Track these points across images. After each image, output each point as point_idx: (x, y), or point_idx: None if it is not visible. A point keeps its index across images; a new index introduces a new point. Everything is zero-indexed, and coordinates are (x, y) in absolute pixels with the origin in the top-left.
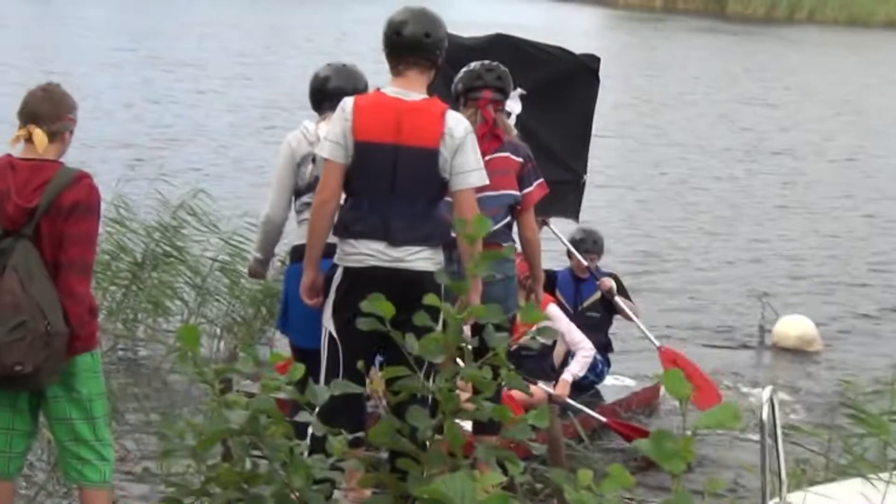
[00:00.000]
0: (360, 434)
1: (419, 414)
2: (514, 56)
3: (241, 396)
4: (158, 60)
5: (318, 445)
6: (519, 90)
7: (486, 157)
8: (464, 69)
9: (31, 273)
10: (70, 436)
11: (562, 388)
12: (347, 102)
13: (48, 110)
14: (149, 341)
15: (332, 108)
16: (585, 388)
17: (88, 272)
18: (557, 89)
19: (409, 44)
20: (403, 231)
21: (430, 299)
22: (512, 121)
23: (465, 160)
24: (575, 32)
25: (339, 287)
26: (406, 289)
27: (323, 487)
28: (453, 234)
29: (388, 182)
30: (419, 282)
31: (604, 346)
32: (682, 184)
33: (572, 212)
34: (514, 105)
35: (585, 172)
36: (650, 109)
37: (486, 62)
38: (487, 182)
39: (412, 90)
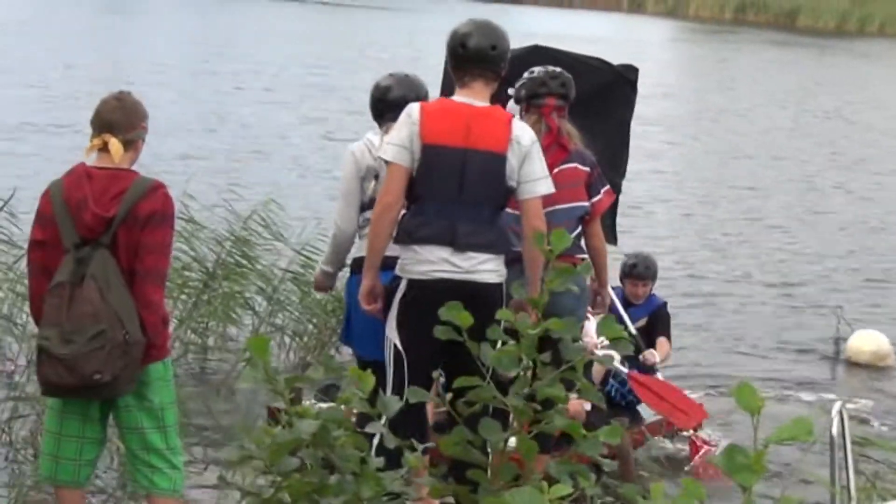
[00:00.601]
0: (430, 445)
1: (492, 425)
2: (552, 66)
3: (311, 407)
4: (231, 71)
5: (385, 456)
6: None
7: (554, 169)
8: (526, 75)
9: (109, 282)
10: (141, 444)
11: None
12: (413, 107)
13: (122, 119)
14: (219, 350)
15: (394, 118)
16: (624, 407)
17: (163, 281)
18: (595, 101)
19: (475, 56)
20: (469, 236)
21: (502, 314)
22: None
23: (533, 168)
24: (645, 44)
25: (402, 299)
26: (472, 301)
27: (395, 500)
28: (518, 248)
29: (455, 186)
30: (485, 294)
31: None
32: (753, 197)
33: (608, 231)
34: None
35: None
36: (720, 121)
37: (550, 68)
38: (554, 191)
39: (477, 100)
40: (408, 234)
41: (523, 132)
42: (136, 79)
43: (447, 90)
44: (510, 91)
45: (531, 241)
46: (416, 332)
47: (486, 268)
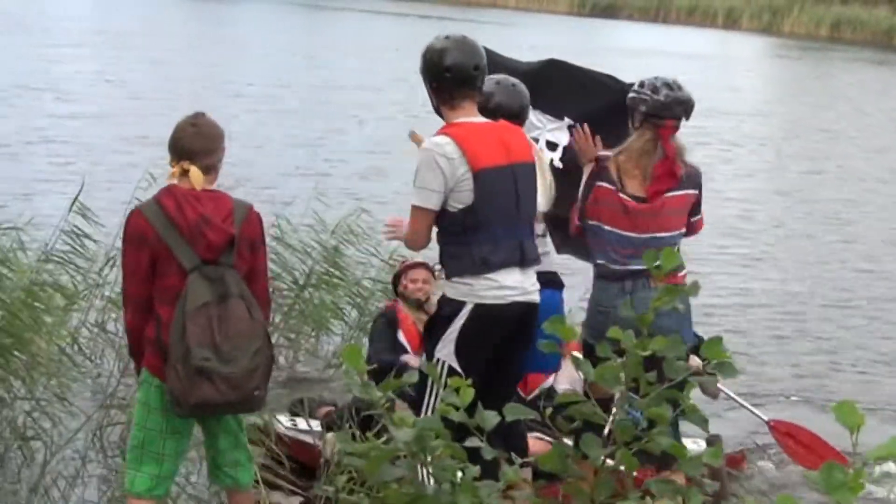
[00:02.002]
0: (530, 459)
1: (592, 441)
2: (566, 83)
3: (408, 415)
4: (322, 81)
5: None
6: (567, 120)
7: (664, 196)
8: (647, 89)
9: (251, 301)
10: (233, 443)
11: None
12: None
13: (202, 146)
14: (310, 357)
15: None
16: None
17: (269, 301)
18: (606, 121)
19: (460, 77)
20: (531, 252)
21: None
22: (558, 153)
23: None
24: (739, 60)
25: (466, 324)
26: (523, 320)
27: None
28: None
29: (513, 204)
30: (534, 313)
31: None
32: (849, 215)
33: None
34: (560, 136)
35: None
36: (816, 140)
37: (676, 92)
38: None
39: (475, 117)
40: (485, 264)
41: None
42: (230, 90)
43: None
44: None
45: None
46: (478, 354)
47: (537, 286)
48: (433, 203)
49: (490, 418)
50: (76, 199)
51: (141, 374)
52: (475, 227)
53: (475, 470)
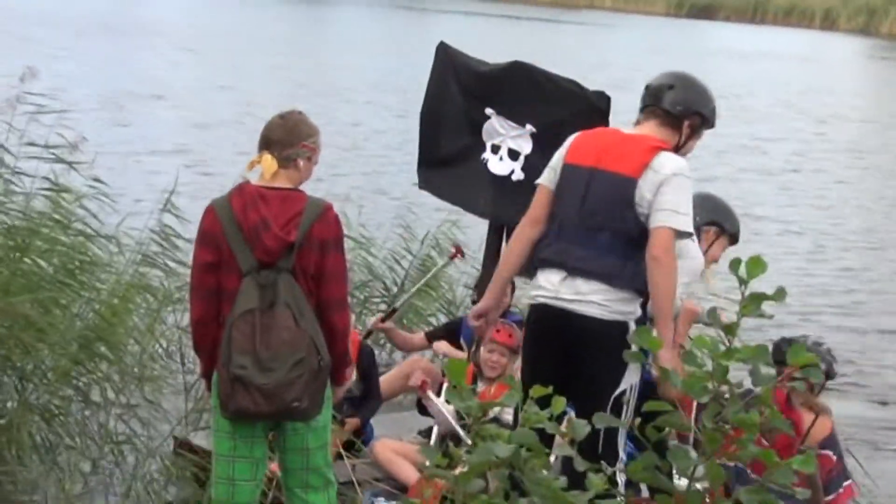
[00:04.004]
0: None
1: (681, 452)
2: (529, 88)
3: (503, 430)
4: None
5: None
6: (529, 127)
7: None
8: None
9: (301, 308)
10: (304, 464)
11: None
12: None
13: (281, 137)
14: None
15: None
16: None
17: (347, 305)
18: (567, 128)
19: (650, 92)
20: (581, 261)
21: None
22: (520, 162)
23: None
24: (836, 62)
25: (526, 322)
26: (572, 333)
27: None
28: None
29: (577, 207)
30: (586, 328)
31: None
32: None
33: None
34: (523, 144)
35: None
36: None
37: None
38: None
39: (637, 127)
40: (536, 255)
41: (668, 161)
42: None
43: (427, 114)
44: (487, 111)
45: (650, 270)
46: (531, 356)
47: (593, 299)
48: (545, 179)
49: (581, 427)
50: (168, 199)
51: (214, 374)
52: (550, 218)
53: (562, 480)
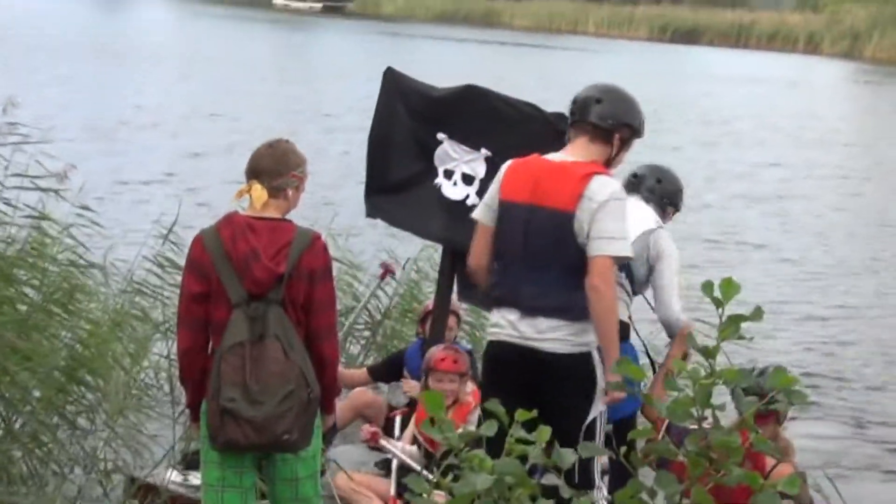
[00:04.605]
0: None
1: (666, 478)
2: (483, 111)
3: (488, 459)
4: None
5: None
6: (484, 151)
7: None
8: None
9: (290, 340)
10: (293, 493)
11: None
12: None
13: (269, 166)
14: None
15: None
16: None
17: (336, 334)
18: (524, 151)
19: (577, 107)
20: (534, 299)
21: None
22: (475, 186)
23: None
24: (818, 85)
25: (484, 357)
26: (538, 369)
27: None
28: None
29: (521, 245)
30: (551, 364)
31: None
32: None
33: None
34: (477, 168)
35: None
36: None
37: None
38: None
39: (573, 157)
40: (487, 295)
41: (601, 187)
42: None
43: (375, 140)
44: (439, 135)
45: (590, 300)
46: (492, 391)
47: (554, 335)
48: (482, 217)
49: (568, 456)
50: (170, 230)
51: (203, 405)
52: (494, 256)
53: None
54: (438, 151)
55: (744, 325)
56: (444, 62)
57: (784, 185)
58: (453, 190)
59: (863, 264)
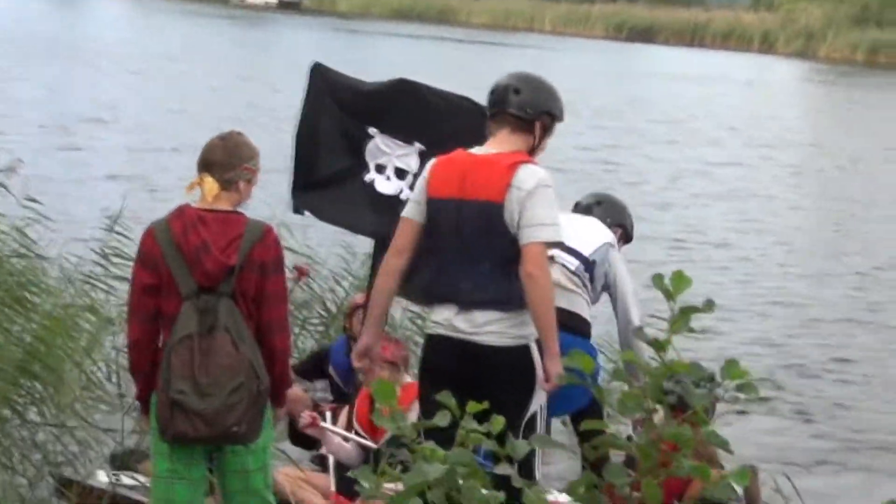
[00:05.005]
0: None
1: (617, 470)
2: (416, 105)
3: (439, 449)
4: None
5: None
6: (418, 145)
7: None
8: None
9: (240, 333)
10: (243, 485)
11: None
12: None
13: (221, 159)
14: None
15: None
16: None
17: (287, 327)
18: (458, 143)
19: (497, 98)
20: (471, 293)
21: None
22: (408, 181)
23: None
24: (774, 84)
25: (422, 352)
26: (476, 363)
27: None
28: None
29: (454, 240)
30: (489, 357)
31: None
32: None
33: None
34: (410, 162)
35: None
36: (848, 169)
37: None
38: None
39: (496, 149)
40: (425, 293)
41: (528, 176)
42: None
43: (302, 135)
44: (370, 130)
45: (526, 288)
46: (431, 384)
47: (491, 329)
48: (410, 213)
49: (521, 446)
50: (115, 220)
51: (152, 396)
52: (425, 254)
53: (500, 496)
54: (370, 146)
55: (699, 322)
56: (399, 59)
57: (742, 184)
58: (386, 184)
59: (819, 263)
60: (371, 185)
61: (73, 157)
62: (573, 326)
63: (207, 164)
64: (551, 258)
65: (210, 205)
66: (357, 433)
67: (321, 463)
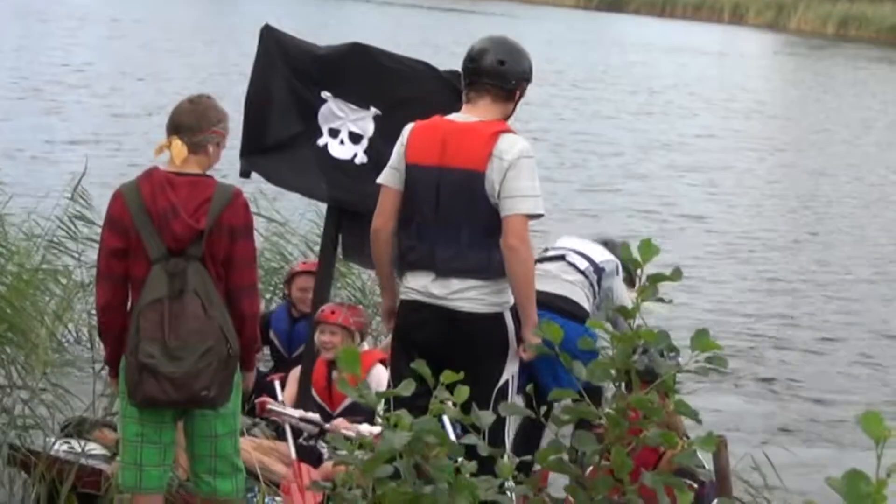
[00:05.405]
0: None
1: (586, 438)
2: (371, 69)
3: (406, 417)
4: None
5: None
6: (373, 110)
7: None
8: None
9: (210, 296)
10: (211, 450)
11: None
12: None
13: (190, 122)
14: None
15: None
16: None
17: (257, 291)
18: (416, 108)
19: (482, 70)
20: (448, 261)
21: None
22: (362, 145)
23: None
24: (744, 56)
25: (397, 318)
26: (450, 328)
27: None
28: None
29: (432, 207)
30: (464, 322)
31: None
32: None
33: None
34: (366, 126)
35: None
36: (818, 142)
37: None
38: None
39: (476, 116)
40: (400, 257)
41: (510, 146)
42: None
43: (253, 99)
44: (323, 94)
45: (507, 260)
46: (402, 350)
47: (469, 295)
48: (389, 180)
49: (486, 416)
50: (77, 185)
51: (121, 360)
52: (403, 220)
53: (472, 465)
54: (323, 110)
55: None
56: (368, 25)
57: (714, 156)
58: (340, 149)
59: (791, 236)
60: (324, 149)
61: (39, 121)
62: (569, 310)
63: (176, 126)
64: (562, 257)
65: (179, 168)
66: (313, 400)
67: (276, 430)
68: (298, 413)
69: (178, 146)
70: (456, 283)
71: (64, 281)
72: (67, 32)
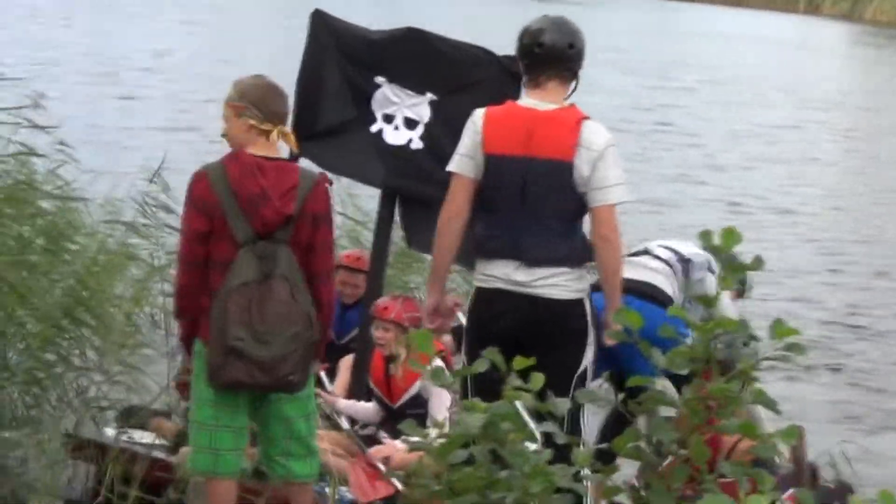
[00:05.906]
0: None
1: (663, 426)
2: (426, 54)
3: (480, 402)
4: None
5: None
6: (429, 95)
7: None
8: None
9: (296, 281)
10: (286, 433)
11: None
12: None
13: (285, 110)
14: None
15: None
16: None
17: (333, 278)
18: (474, 94)
19: (552, 55)
20: (535, 249)
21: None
22: (418, 131)
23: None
24: (820, 47)
25: (471, 307)
26: (535, 315)
27: (565, 497)
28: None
29: (518, 197)
30: (549, 309)
31: None
32: None
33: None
34: (422, 112)
35: None
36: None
37: None
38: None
39: (548, 102)
40: (479, 246)
41: (595, 135)
42: None
43: (304, 85)
44: (377, 79)
45: (600, 250)
46: (479, 340)
47: (553, 282)
48: (464, 169)
49: (561, 404)
50: (158, 170)
51: (195, 343)
52: (482, 210)
53: (547, 453)
54: (377, 95)
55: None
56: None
57: (798, 147)
58: (395, 134)
59: (874, 227)
60: (378, 134)
61: (121, 106)
62: (650, 294)
63: (279, 116)
64: (646, 251)
65: (266, 153)
66: (371, 392)
67: (326, 418)
68: (356, 404)
69: (293, 139)
70: (541, 271)
71: (140, 265)
72: (144, 19)
